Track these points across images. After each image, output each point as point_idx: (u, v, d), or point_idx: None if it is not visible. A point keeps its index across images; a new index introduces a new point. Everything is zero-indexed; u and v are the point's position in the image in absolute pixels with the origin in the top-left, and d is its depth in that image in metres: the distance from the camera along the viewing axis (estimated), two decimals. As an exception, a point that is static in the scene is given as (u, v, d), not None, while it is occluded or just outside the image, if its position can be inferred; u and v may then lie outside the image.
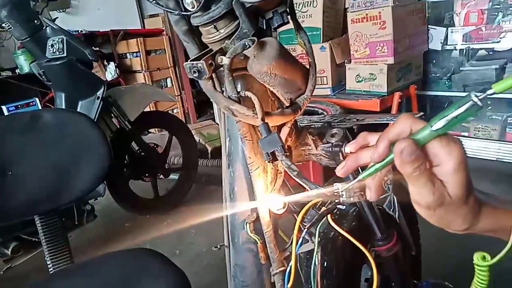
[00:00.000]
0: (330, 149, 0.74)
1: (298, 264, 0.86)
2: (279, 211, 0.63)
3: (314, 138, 0.75)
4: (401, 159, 0.42)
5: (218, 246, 0.67)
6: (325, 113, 2.29)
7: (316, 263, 0.66)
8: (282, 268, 0.68)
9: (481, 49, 2.71)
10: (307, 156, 0.77)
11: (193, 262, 2.01)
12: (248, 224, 0.67)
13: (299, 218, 0.52)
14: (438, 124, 0.41)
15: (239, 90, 0.64)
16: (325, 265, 0.70)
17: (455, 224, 0.47)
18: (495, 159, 2.75)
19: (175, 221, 2.48)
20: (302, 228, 0.57)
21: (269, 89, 0.65)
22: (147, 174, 2.43)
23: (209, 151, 3.37)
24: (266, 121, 0.60)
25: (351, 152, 0.53)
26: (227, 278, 0.77)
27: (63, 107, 2.01)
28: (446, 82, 2.87)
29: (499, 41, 2.62)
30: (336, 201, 0.52)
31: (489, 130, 2.78)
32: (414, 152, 0.42)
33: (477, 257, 0.45)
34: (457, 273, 1.66)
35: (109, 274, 1.19)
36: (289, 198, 0.62)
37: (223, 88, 0.62)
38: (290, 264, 0.52)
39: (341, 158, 0.75)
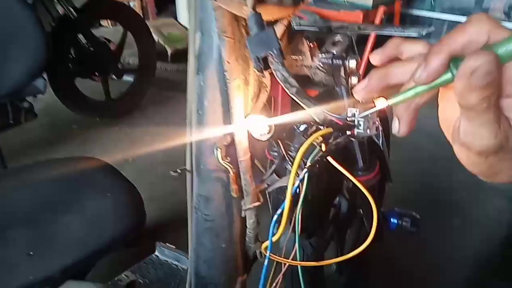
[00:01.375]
0: (330, 61, 0.58)
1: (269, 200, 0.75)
2: (262, 136, 0.49)
3: (311, 45, 0.58)
4: (471, 83, 0.28)
5: (179, 171, 0.55)
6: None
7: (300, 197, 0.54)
8: (257, 204, 0.56)
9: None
10: (298, 67, 0.61)
11: (148, 171, 1.89)
12: (219, 149, 0.52)
13: (299, 155, 0.38)
14: None
15: (220, -39, 0.44)
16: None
17: (504, 176, 0.35)
18: None
19: (128, 127, 2.29)
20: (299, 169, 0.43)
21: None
22: (96, 73, 2.15)
23: (169, 54, 3.06)
24: (258, 11, 0.42)
25: (375, 67, 0.38)
26: (186, 199, 0.64)
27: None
28: (432, 2, 2.67)
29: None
30: (348, 132, 0.38)
31: None
32: (491, 73, 0.27)
33: None
34: (420, 200, 1.70)
35: (47, 184, 1.03)
36: (277, 119, 0.47)
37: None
38: (281, 209, 0.39)
39: (343, 74, 0.59)
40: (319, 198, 0.79)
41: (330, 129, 0.37)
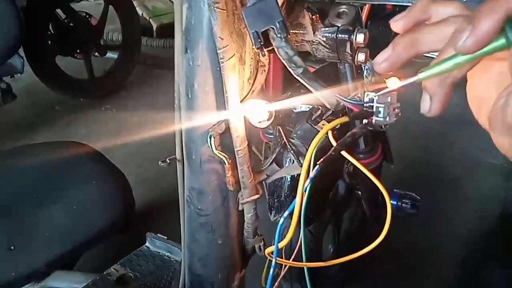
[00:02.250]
0: (335, 35, 0.51)
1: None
2: (261, 123, 0.43)
3: (313, 18, 0.51)
4: None
5: (167, 161, 0.49)
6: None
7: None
8: (255, 196, 0.51)
9: None
10: (299, 43, 0.54)
11: (136, 153, 1.82)
12: (212, 138, 0.46)
13: (312, 148, 0.32)
14: None
15: None
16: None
17: None
18: None
19: (114, 107, 2.20)
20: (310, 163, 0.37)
21: None
22: (78, 50, 2.04)
23: (154, 29, 2.93)
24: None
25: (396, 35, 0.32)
26: (176, 181, 0.58)
27: None
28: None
29: None
30: (365, 121, 0.32)
31: None
32: None
33: None
34: (414, 177, 1.67)
35: (27, 172, 0.97)
36: (280, 104, 0.41)
37: None
38: (288, 211, 0.34)
39: (348, 50, 0.53)
40: (321, 185, 0.74)
41: (346, 118, 0.32)
